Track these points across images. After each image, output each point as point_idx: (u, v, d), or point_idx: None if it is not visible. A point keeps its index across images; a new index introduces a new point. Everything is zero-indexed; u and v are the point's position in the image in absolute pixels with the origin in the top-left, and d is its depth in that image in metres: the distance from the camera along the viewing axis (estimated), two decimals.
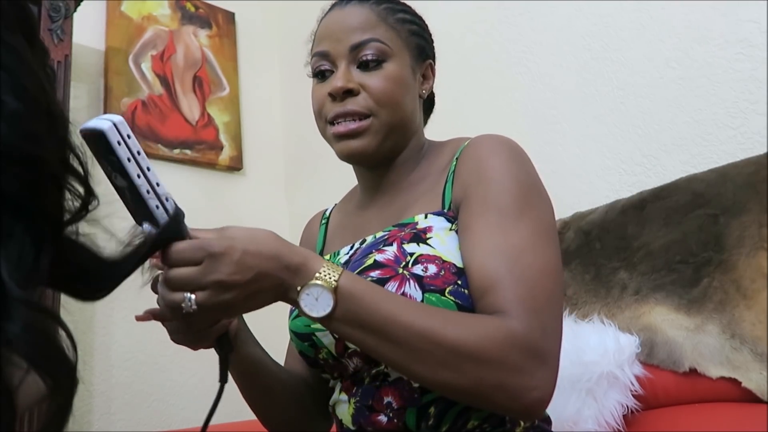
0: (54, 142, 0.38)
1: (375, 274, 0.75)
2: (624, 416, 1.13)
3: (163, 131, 2.08)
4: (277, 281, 0.63)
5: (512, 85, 1.71)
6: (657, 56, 1.42)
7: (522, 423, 0.77)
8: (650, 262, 1.21)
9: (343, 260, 0.87)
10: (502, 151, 0.79)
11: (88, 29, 1.97)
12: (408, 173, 0.90)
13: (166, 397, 1.88)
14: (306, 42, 0.94)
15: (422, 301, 0.71)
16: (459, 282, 0.73)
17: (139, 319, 0.70)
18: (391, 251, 0.76)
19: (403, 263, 0.74)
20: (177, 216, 0.60)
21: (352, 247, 0.88)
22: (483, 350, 0.63)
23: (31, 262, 0.35)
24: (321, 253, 0.98)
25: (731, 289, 1.09)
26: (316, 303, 0.63)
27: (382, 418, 0.75)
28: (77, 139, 0.41)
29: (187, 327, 0.68)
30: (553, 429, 0.83)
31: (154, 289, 0.65)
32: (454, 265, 0.74)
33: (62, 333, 0.37)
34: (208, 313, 0.62)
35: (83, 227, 0.42)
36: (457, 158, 0.83)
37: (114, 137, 0.54)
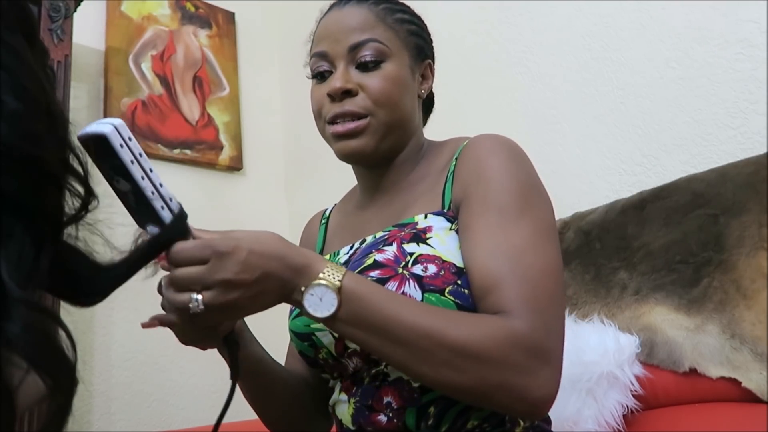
0: (54, 142, 0.38)
1: (375, 273, 0.75)
2: (624, 416, 1.13)
3: (163, 131, 2.08)
4: (281, 282, 0.63)
5: (512, 85, 1.71)
6: (657, 56, 1.42)
7: (522, 423, 0.77)
8: (650, 262, 1.21)
9: (342, 260, 0.87)
10: (501, 150, 0.79)
11: (88, 29, 1.97)
12: (407, 173, 0.90)
13: (166, 397, 1.88)
14: (306, 42, 0.94)
15: (422, 300, 0.71)
16: (459, 282, 0.73)
17: (145, 326, 0.69)
18: (390, 251, 0.77)
19: (403, 263, 0.74)
20: (182, 214, 0.60)
21: (351, 247, 0.88)
22: (486, 350, 0.63)
23: (31, 262, 0.35)
24: (321, 253, 0.98)
25: (731, 289, 1.09)
26: (320, 303, 0.64)
27: (382, 418, 0.75)
28: (77, 139, 0.41)
29: (194, 328, 0.68)
30: (553, 429, 0.83)
31: (161, 291, 0.65)
32: (454, 264, 0.74)
33: (62, 333, 0.37)
34: (215, 313, 0.62)
35: (81, 231, 0.41)
36: (456, 158, 0.83)
37: (116, 140, 0.54)
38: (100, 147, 0.54)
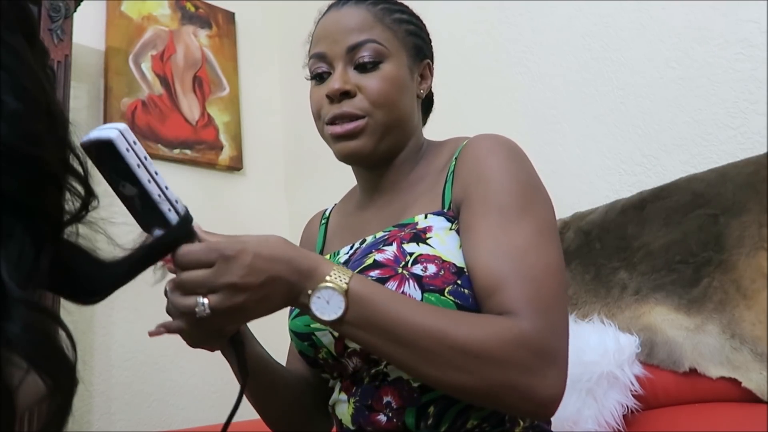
0: (54, 142, 0.38)
1: (374, 273, 0.75)
2: (624, 416, 1.13)
3: (163, 131, 2.08)
4: (288, 285, 0.64)
5: (512, 85, 1.71)
6: (657, 56, 1.42)
7: (521, 423, 0.77)
8: (650, 262, 1.21)
9: (342, 260, 0.87)
10: (501, 150, 0.79)
11: (88, 29, 1.97)
12: (407, 173, 0.90)
13: (166, 397, 1.88)
14: (305, 43, 0.94)
15: (421, 300, 0.71)
16: (458, 282, 0.73)
17: (152, 334, 0.69)
18: (390, 251, 0.77)
19: (403, 263, 0.74)
20: (188, 216, 0.60)
21: (352, 247, 0.88)
22: (494, 351, 0.64)
23: (31, 262, 0.35)
24: (321, 253, 0.98)
25: (731, 289, 1.09)
26: (327, 306, 0.64)
27: (382, 418, 0.75)
28: (77, 139, 0.41)
29: (201, 331, 0.68)
30: (553, 429, 0.83)
31: (167, 295, 0.65)
32: (454, 264, 0.74)
33: (62, 333, 0.37)
34: (221, 317, 0.62)
35: (83, 229, 0.41)
36: (456, 158, 0.83)
37: (122, 145, 0.54)
38: (104, 152, 0.54)
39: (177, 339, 0.69)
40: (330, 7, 0.90)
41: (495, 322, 0.66)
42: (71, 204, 0.40)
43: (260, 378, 0.85)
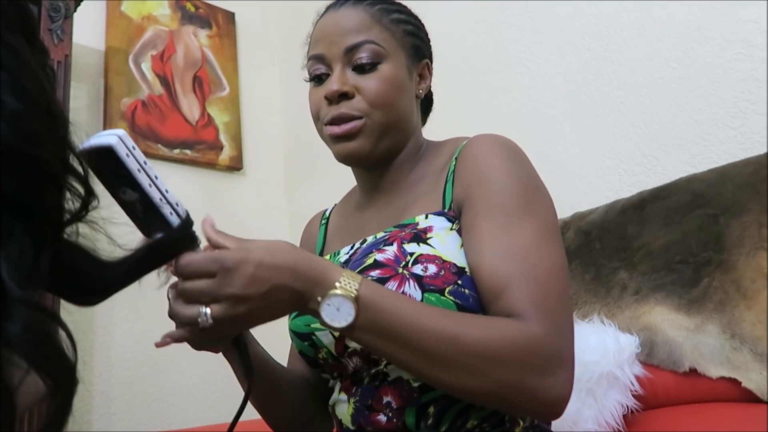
0: (54, 142, 0.38)
1: (375, 273, 0.75)
2: (624, 416, 1.13)
3: (163, 131, 2.08)
4: (294, 292, 0.63)
5: (512, 85, 1.71)
6: (657, 56, 1.42)
7: (521, 423, 0.77)
8: (650, 262, 1.21)
9: (343, 260, 0.87)
10: (502, 150, 0.79)
11: (88, 29, 1.97)
12: (406, 173, 0.90)
13: (166, 397, 1.88)
14: (304, 44, 0.94)
15: (421, 300, 0.71)
16: (459, 282, 0.73)
17: (159, 345, 0.69)
18: (391, 251, 0.77)
19: (403, 263, 0.74)
20: (189, 219, 0.60)
21: (352, 247, 0.88)
22: (506, 354, 0.64)
23: (31, 262, 0.35)
24: (321, 254, 0.98)
25: (731, 289, 1.09)
26: (338, 313, 0.63)
27: (382, 418, 0.75)
28: (77, 139, 0.41)
29: (204, 337, 0.68)
30: (553, 429, 0.83)
31: (171, 316, 0.65)
32: (455, 264, 0.74)
33: (62, 333, 0.37)
34: (224, 326, 0.62)
35: (83, 229, 0.41)
36: (456, 158, 0.83)
37: (122, 150, 0.54)
38: (104, 159, 0.54)
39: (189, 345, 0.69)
40: (328, 9, 0.90)
41: (505, 325, 0.66)
42: (71, 204, 0.40)
43: (263, 379, 0.85)
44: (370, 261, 0.77)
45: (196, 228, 0.62)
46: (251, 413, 0.91)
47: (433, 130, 0.99)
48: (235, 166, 2.25)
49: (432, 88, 0.96)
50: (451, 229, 0.78)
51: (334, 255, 0.90)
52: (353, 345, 0.77)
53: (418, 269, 0.73)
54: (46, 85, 0.39)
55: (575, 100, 1.56)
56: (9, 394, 0.32)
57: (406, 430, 0.74)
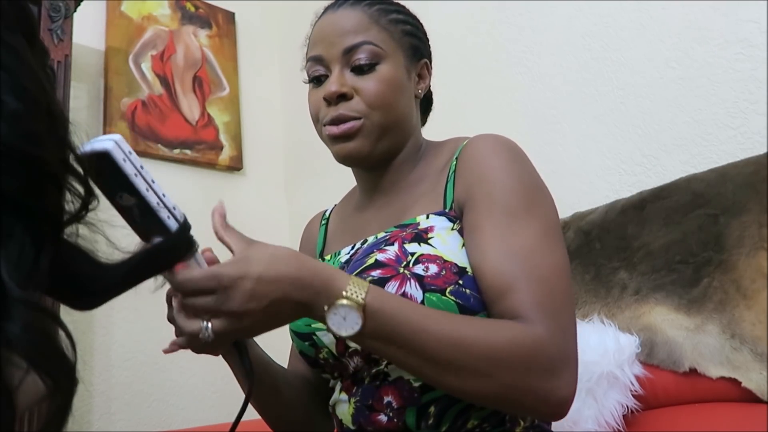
0: (54, 142, 0.38)
1: (376, 273, 0.75)
2: (624, 416, 1.13)
3: (163, 131, 2.08)
4: (297, 304, 0.63)
5: (512, 85, 1.71)
6: (657, 56, 1.42)
7: (522, 423, 0.77)
8: (650, 262, 1.20)
9: (343, 260, 0.87)
10: (503, 150, 0.79)
11: (88, 29, 1.97)
12: (406, 174, 0.90)
13: (166, 397, 1.88)
14: (303, 45, 0.94)
15: (423, 300, 0.71)
16: (460, 282, 0.73)
17: (167, 351, 0.69)
18: (392, 251, 0.77)
19: (404, 263, 0.74)
20: (186, 223, 0.60)
21: (353, 248, 0.88)
22: (512, 357, 0.64)
23: (31, 262, 0.35)
24: (321, 254, 0.98)
25: (731, 289, 1.09)
26: (344, 322, 0.63)
27: (382, 418, 0.75)
28: (77, 139, 0.41)
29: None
30: (553, 429, 0.83)
31: (170, 320, 0.66)
32: (456, 264, 0.74)
33: (62, 333, 0.37)
34: (225, 339, 0.62)
35: (82, 230, 0.41)
36: (456, 158, 0.83)
37: (119, 155, 0.54)
38: (101, 164, 0.54)
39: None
40: (326, 10, 0.90)
41: (510, 328, 0.66)
42: (72, 204, 0.40)
43: (264, 380, 0.85)
44: (371, 261, 0.77)
45: (194, 231, 0.62)
46: (251, 413, 0.91)
47: (433, 130, 0.99)
48: (235, 166, 2.25)
49: (432, 88, 0.96)
50: (452, 229, 0.78)
51: (335, 255, 0.90)
52: (354, 345, 0.77)
53: (419, 269, 0.73)
54: (46, 85, 0.39)
55: (575, 100, 1.56)
56: (9, 394, 0.32)
57: (406, 430, 0.74)
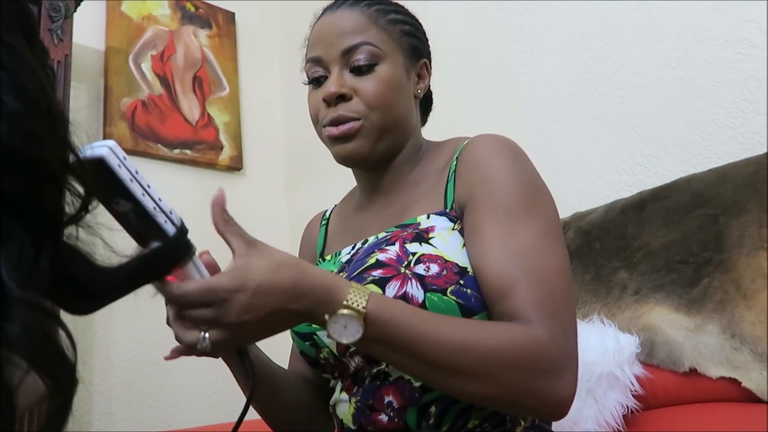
0: (54, 142, 0.38)
1: (377, 273, 0.75)
2: (624, 416, 1.13)
3: (163, 131, 2.08)
4: (296, 313, 0.63)
5: (512, 85, 1.71)
6: (657, 56, 1.42)
7: (522, 423, 0.77)
8: (650, 262, 1.20)
9: (344, 260, 0.87)
10: (504, 151, 0.79)
11: (88, 29, 1.97)
12: (406, 174, 0.90)
13: (166, 397, 1.88)
14: (303, 46, 0.94)
15: (424, 300, 0.71)
16: (461, 282, 0.73)
17: (168, 358, 0.69)
18: (393, 251, 0.77)
19: (405, 262, 0.74)
20: (184, 227, 0.59)
21: (353, 248, 0.88)
22: (514, 359, 0.64)
23: (31, 261, 0.35)
24: (322, 254, 0.98)
25: (731, 289, 1.09)
26: (345, 330, 0.63)
27: (383, 418, 0.75)
28: (77, 139, 0.41)
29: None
30: (553, 429, 0.83)
31: (169, 324, 0.65)
32: (457, 264, 0.74)
33: (62, 333, 0.37)
34: (223, 348, 0.63)
35: (81, 234, 0.41)
36: (457, 158, 0.83)
37: (114, 161, 0.54)
38: (96, 170, 0.54)
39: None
40: (325, 11, 0.90)
41: (511, 330, 0.67)
42: (71, 205, 0.40)
43: (265, 381, 0.85)
44: (372, 261, 0.77)
45: (194, 231, 0.62)
46: (251, 413, 0.91)
47: (433, 130, 0.99)
48: (235, 166, 2.25)
49: (432, 88, 0.96)
50: (453, 229, 0.78)
51: (335, 255, 0.90)
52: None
53: (420, 269, 0.73)
54: (46, 85, 0.39)
55: (575, 100, 1.56)
56: (9, 394, 0.32)
57: (407, 430, 0.75)
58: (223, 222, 0.63)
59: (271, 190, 2.38)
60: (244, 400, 0.88)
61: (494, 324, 0.69)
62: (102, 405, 1.75)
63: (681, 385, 1.12)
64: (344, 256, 0.88)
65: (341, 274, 0.84)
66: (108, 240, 0.44)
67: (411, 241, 0.77)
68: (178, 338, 0.63)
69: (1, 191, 0.34)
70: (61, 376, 0.36)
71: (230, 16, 2.41)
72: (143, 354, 1.84)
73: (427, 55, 0.94)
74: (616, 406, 1.12)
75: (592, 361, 1.12)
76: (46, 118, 0.37)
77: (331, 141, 0.85)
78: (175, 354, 0.67)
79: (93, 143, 0.54)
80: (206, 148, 2.17)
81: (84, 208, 0.41)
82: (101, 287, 0.46)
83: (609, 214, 1.31)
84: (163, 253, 0.58)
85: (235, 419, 0.69)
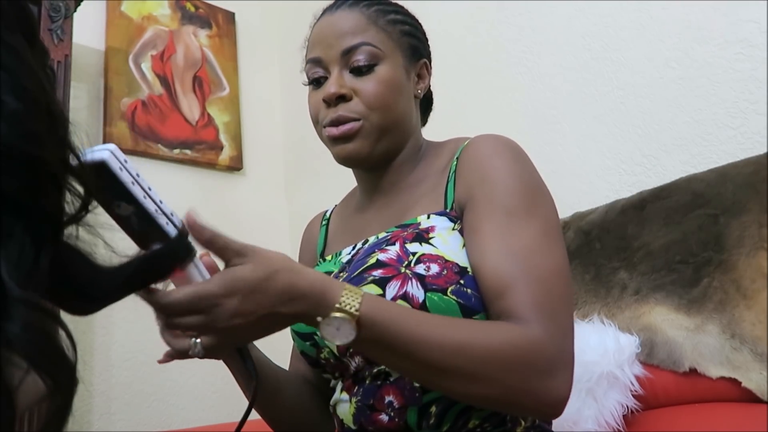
0: (54, 142, 0.38)
1: (377, 273, 0.75)
2: (624, 416, 1.13)
3: (163, 131, 2.08)
4: (287, 316, 0.62)
5: (512, 85, 1.71)
6: (657, 56, 1.42)
7: (522, 423, 0.77)
8: (650, 262, 1.20)
9: (345, 260, 0.87)
10: (504, 151, 0.80)
11: (88, 29, 1.97)
12: (407, 174, 0.90)
13: (166, 397, 1.88)
14: (303, 46, 0.94)
15: (424, 300, 0.71)
16: (461, 281, 0.73)
17: (161, 362, 0.68)
18: (393, 250, 0.77)
19: (406, 262, 0.74)
20: (185, 229, 0.59)
21: (354, 248, 0.88)
22: (510, 359, 0.64)
23: (31, 261, 0.35)
24: (322, 254, 0.98)
25: (731, 289, 1.09)
26: (338, 332, 0.63)
27: (384, 418, 0.75)
28: (77, 139, 0.41)
29: None
30: (553, 429, 0.83)
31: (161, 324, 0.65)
32: (457, 264, 0.74)
33: (62, 333, 0.37)
34: (215, 353, 0.63)
35: (81, 233, 0.41)
36: (457, 158, 0.83)
37: (115, 164, 0.54)
38: (97, 174, 0.54)
39: None
40: (324, 11, 0.90)
41: (508, 330, 0.66)
42: (71, 205, 0.40)
43: (265, 381, 0.85)
44: (372, 261, 0.77)
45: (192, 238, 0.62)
46: (251, 414, 0.91)
47: (433, 130, 0.99)
48: (235, 166, 2.25)
49: (432, 88, 0.96)
50: (453, 229, 0.78)
51: (336, 256, 0.90)
52: None
53: (420, 269, 0.73)
54: (46, 85, 0.39)
55: (575, 100, 1.56)
56: (9, 394, 0.32)
57: (407, 430, 0.75)
58: (206, 241, 0.61)
59: (271, 190, 2.38)
60: (244, 400, 0.88)
61: (491, 324, 0.69)
62: (102, 405, 1.75)
63: (681, 385, 1.12)
64: (345, 257, 0.88)
65: (342, 274, 0.84)
66: (109, 240, 0.44)
67: (411, 241, 0.77)
68: (168, 346, 0.63)
69: (1, 191, 0.34)
70: (61, 376, 0.36)
71: (230, 16, 2.41)
72: (143, 354, 1.84)
73: (427, 55, 0.94)
74: (616, 406, 1.12)
75: (592, 361, 1.12)
76: (46, 118, 0.37)
77: (332, 141, 0.85)
78: (168, 358, 0.67)
79: (94, 147, 0.54)
80: (206, 148, 2.17)
81: (84, 208, 0.41)
82: (101, 288, 0.46)
83: (609, 214, 1.31)
84: (164, 254, 0.57)
85: (235, 419, 0.69)
